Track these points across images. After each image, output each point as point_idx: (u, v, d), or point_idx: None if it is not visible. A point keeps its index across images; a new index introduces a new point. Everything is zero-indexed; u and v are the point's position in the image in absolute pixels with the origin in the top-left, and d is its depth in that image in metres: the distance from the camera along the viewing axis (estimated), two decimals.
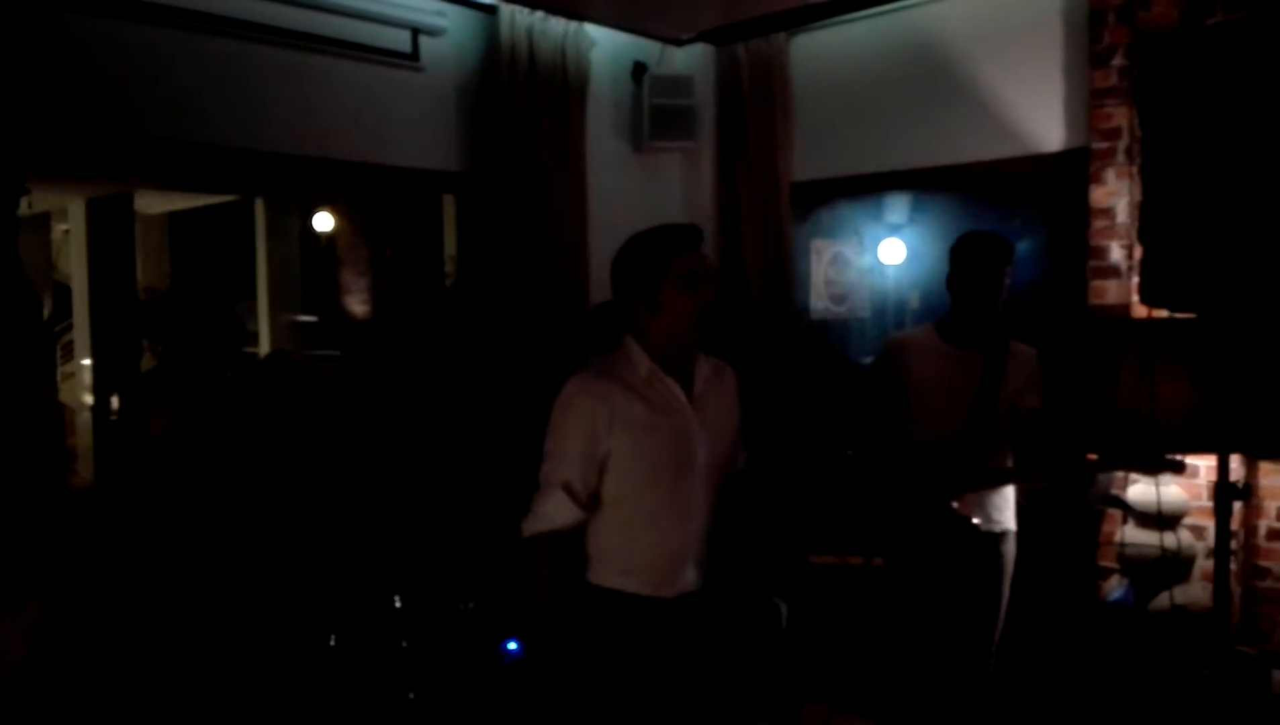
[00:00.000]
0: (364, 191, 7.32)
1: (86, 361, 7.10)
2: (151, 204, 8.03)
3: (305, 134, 3.87)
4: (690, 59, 4.94)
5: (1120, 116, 3.69)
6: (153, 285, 8.01)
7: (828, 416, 4.42)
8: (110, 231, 7.11)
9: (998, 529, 3.00)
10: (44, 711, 2.96)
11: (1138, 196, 3.23)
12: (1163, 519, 3.44)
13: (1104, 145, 3.74)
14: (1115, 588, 3.62)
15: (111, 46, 3.39)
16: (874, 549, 3.24)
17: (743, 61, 4.74)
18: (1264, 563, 3.57)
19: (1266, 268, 2.00)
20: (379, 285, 7.87)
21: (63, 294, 7.72)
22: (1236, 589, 3.49)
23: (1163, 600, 3.38)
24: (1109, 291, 3.74)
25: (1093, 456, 2.74)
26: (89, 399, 6.96)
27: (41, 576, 3.15)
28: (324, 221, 7.86)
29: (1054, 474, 2.91)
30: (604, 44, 4.68)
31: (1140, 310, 2.35)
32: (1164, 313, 2.29)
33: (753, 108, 4.73)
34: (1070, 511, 3.71)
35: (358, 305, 8.08)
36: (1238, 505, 3.33)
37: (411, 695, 3.43)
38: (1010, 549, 3.03)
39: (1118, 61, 3.69)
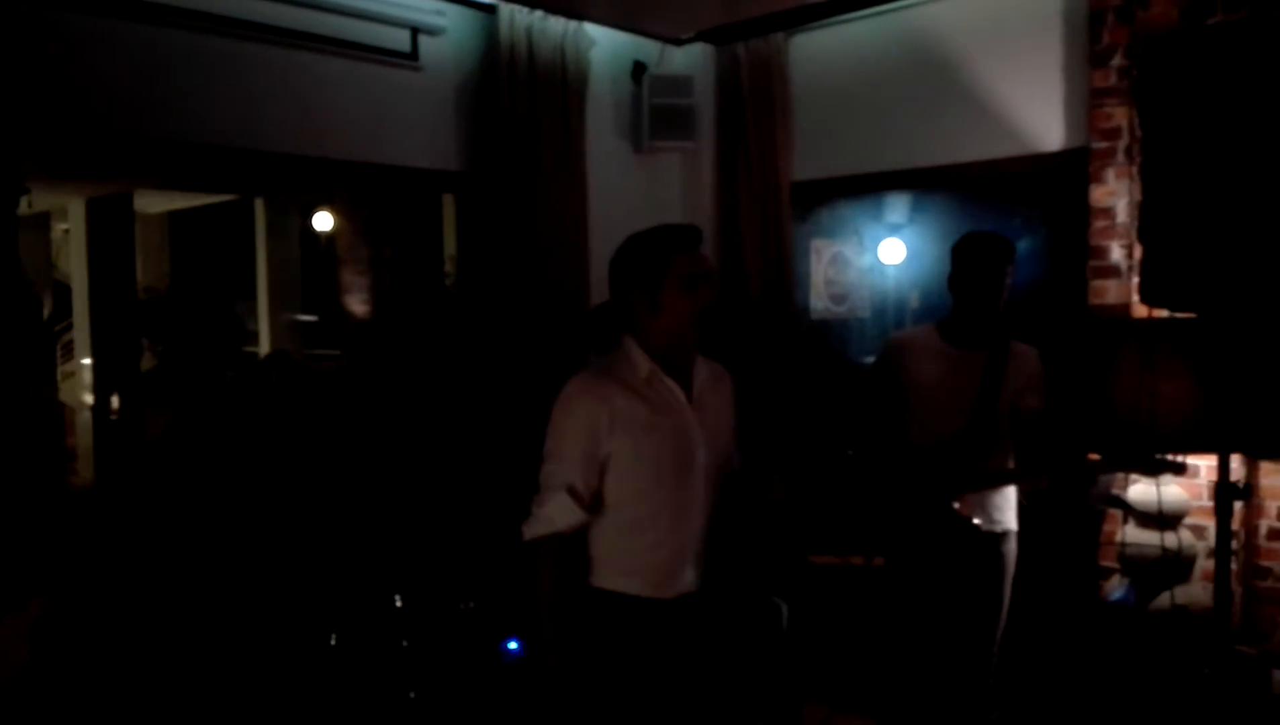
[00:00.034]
0: (364, 191, 7.32)
1: (86, 361, 7.11)
2: (151, 203, 8.03)
3: (305, 133, 3.86)
4: (690, 59, 4.94)
5: (1120, 116, 3.69)
6: (153, 285, 8.01)
7: (828, 416, 4.42)
8: (110, 231, 7.12)
9: (999, 529, 3.00)
10: (44, 711, 2.96)
11: (1138, 196, 3.23)
12: (1163, 519, 3.44)
13: (1104, 145, 3.74)
14: (1116, 588, 3.62)
15: (111, 46, 3.39)
16: (874, 549, 3.24)
17: (742, 61, 4.74)
18: (1265, 563, 3.57)
19: (1266, 267, 2.00)
20: (379, 285, 7.87)
21: (63, 293, 7.73)
22: (1237, 589, 3.48)
23: (1163, 600, 3.38)
24: (1109, 291, 3.74)
25: (1094, 456, 2.74)
26: (89, 398, 6.96)
27: (42, 576, 3.15)
28: (324, 221, 7.85)
29: (1055, 474, 2.91)
30: (603, 43, 4.68)
31: (1140, 310, 2.35)
32: (1164, 312, 2.29)
33: (752, 107, 4.72)
34: (1071, 511, 3.71)
35: (358, 305, 8.07)
36: (1238, 505, 3.33)
37: (412, 695, 3.43)
38: (1011, 549, 3.03)
39: (1117, 61, 3.69)
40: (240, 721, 3.30)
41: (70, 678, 3.09)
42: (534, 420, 2.29)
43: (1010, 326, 3.00)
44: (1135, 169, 3.56)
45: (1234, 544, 3.35)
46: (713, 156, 4.94)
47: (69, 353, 7.55)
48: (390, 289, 7.69)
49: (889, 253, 6.01)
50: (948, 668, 3.00)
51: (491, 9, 4.23)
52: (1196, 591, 3.43)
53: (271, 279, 8.24)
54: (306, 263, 8.38)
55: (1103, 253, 3.75)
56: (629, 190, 4.78)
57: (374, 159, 4.08)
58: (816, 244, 5.24)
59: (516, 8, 4.23)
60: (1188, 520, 3.53)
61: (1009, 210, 5.15)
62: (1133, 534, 3.55)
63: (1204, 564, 3.48)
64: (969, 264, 2.95)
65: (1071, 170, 3.88)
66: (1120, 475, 3.57)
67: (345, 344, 7.98)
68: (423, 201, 5.42)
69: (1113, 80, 3.71)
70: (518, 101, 4.24)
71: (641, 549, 2.18)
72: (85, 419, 7.07)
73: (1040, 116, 4.02)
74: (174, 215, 8.44)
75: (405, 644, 3.47)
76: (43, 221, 7.96)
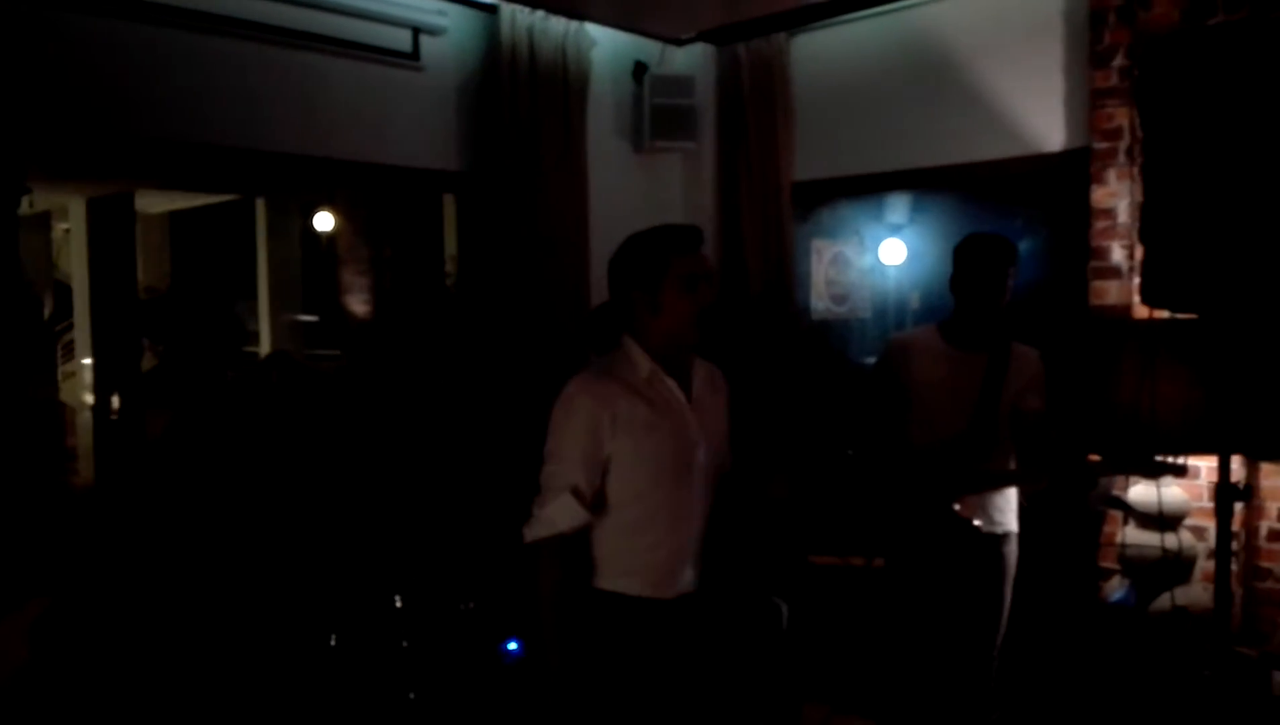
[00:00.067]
0: (364, 191, 7.32)
1: (87, 361, 7.11)
2: (152, 203, 8.03)
3: (306, 133, 3.87)
4: (691, 59, 4.94)
5: (1121, 117, 3.69)
6: (153, 285, 8.01)
7: (828, 417, 4.42)
8: (111, 231, 7.11)
9: (999, 531, 3.00)
10: (44, 711, 2.96)
11: (1139, 197, 3.24)
12: (1164, 520, 3.44)
13: (1105, 145, 3.73)
14: (1116, 589, 3.62)
15: (112, 46, 3.39)
16: (875, 550, 3.24)
17: (743, 61, 4.74)
18: (1265, 564, 3.56)
19: (1267, 268, 2.00)
20: (379, 285, 7.87)
21: (63, 293, 7.72)
22: (1237, 590, 3.48)
23: (1164, 601, 3.38)
24: (1110, 292, 3.74)
25: (1094, 458, 2.74)
26: (89, 398, 6.96)
27: (42, 576, 3.15)
28: (324, 221, 7.85)
29: (1055, 475, 2.90)
30: (604, 44, 4.68)
31: (1141, 311, 2.35)
32: (1165, 313, 2.29)
33: (753, 108, 4.72)
34: (1071, 512, 3.70)
35: (358, 305, 8.07)
36: (1239, 506, 3.31)
37: (412, 695, 3.43)
38: (1012, 550, 3.03)
39: (1118, 62, 3.69)
40: (240, 722, 3.30)
41: (70, 678, 3.09)
42: (534, 421, 2.29)
43: (1012, 327, 3.00)
44: (1136, 169, 3.56)
45: (1234, 545, 3.34)
46: (714, 157, 4.94)
47: (69, 353, 7.55)
48: (391, 289, 7.69)
49: (890, 253, 6.00)
50: (948, 669, 2.99)
51: (493, 9, 4.23)
52: (1197, 593, 3.43)
53: (272, 279, 8.23)
54: (307, 263, 8.38)
55: (1104, 253, 3.75)
56: (630, 190, 4.78)
57: (375, 159, 4.08)
58: (817, 244, 5.24)
59: (518, 8, 4.23)
60: (1188, 521, 3.53)
61: (1010, 211, 5.14)
62: (1133, 535, 3.55)
63: (1204, 565, 3.48)
64: (971, 265, 2.94)
65: (1072, 171, 3.88)
66: (1120, 476, 3.56)
67: (346, 344, 7.98)
68: (423, 201, 5.42)
69: (1114, 80, 3.71)
70: (519, 101, 4.24)
71: (641, 549, 2.18)
72: (86, 419, 7.07)
73: (1041, 117, 4.02)
74: (175, 215, 8.44)
75: (405, 644, 3.47)
76: (43, 221, 7.95)
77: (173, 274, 8.42)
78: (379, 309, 7.83)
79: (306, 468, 3.93)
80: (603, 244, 4.26)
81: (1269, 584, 3.55)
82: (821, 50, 4.69)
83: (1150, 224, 2.16)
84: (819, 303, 5.21)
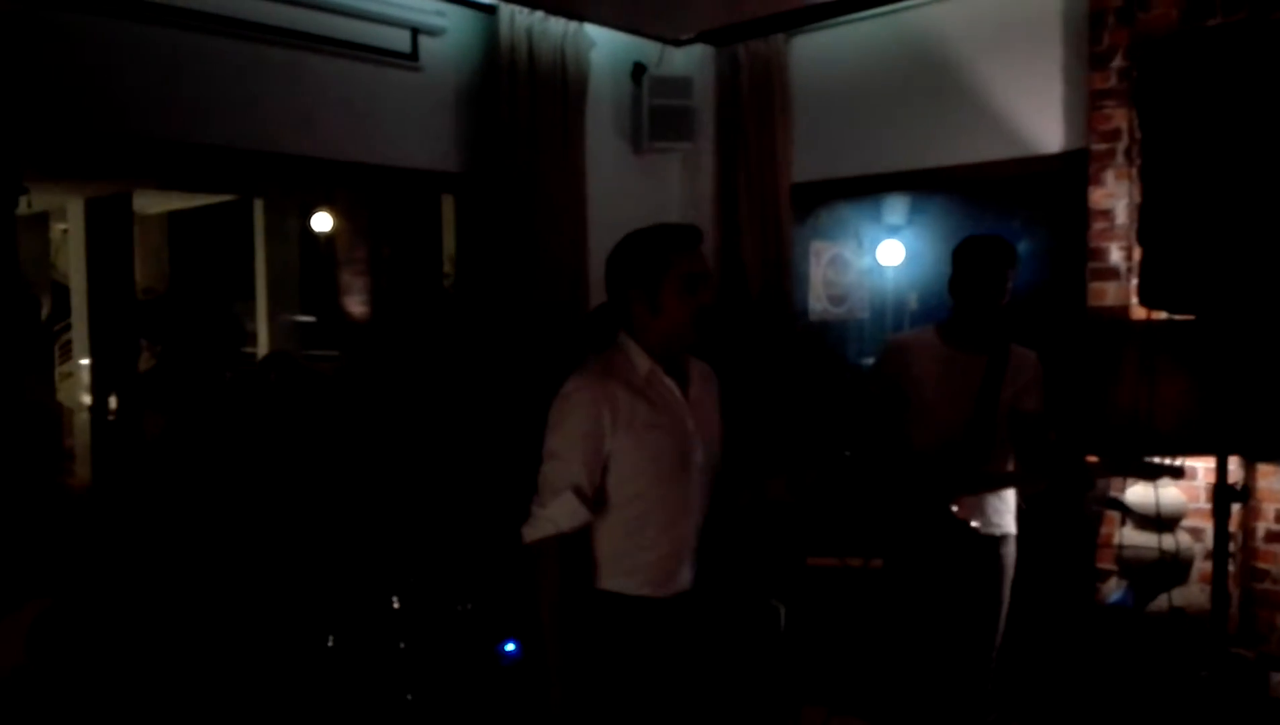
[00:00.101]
0: (363, 192, 7.31)
1: (85, 361, 7.09)
2: (150, 204, 8.02)
3: (304, 134, 3.86)
4: (690, 60, 4.94)
5: (1119, 118, 3.69)
6: (151, 285, 8.00)
7: (826, 418, 4.42)
8: (109, 231, 7.10)
9: (998, 532, 3.00)
10: (41, 713, 2.96)
11: (1137, 198, 3.24)
12: (1161, 521, 3.44)
13: (1103, 147, 3.74)
14: (1114, 590, 3.62)
15: (110, 46, 3.39)
16: (873, 551, 3.24)
17: (742, 62, 4.74)
18: (1262, 565, 3.57)
19: (1265, 269, 2.00)
20: (378, 285, 7.86)
21: (61, 294, 7.71)
22: (1234, 591, 3.48)
23: (1161, 602, 3.38)
24: (1108, 293, 3.74)
25: (1092, 459, 2.74)
26: (87, 399, 6.95)
27: (39, 578, 3.15)
28: (323, 222, 7.84)
29: (1054, 477, 2.91)
30: (603, 44, 4.68)
31: (1139, 312, 2.35)
32: (1163, 314, 2.29)
33: (752, 109, 4.72)
34: (1069, 514, 3.70)
35: (356, 305, 8.07)
36: (1236, 507, 3.33)
37: (409, 696, 3.43)
38: (1010, 552, 3.03)
39: (1117, 63, 3.70)
40: (238, 723, 3.30)
41: (67, 679, 3.08)
42: (532, 422, 2.28)
43: (1011, 329, 3.00)
44: (1135, 171, 3.57)
45: (1231, 546, 3.35)
46: (712, 158, 4.94)
47: (67, 353, 7.54)
48: (389, 290, 7.69)
49: (888, 254, 6.00)
50: (946, 670, 2.99)
51: (492, 10, 4.23)
52: (1194, 593, 3.43)
53: (270, 280, 8.21)
54: (305, 263, 8.36)
55: (1102, 255, 3.76)
56: (628, 191, 4.78)
57: (373, 159, 4.08)
58: (816, 245, 5.23)
59: (517, 8, 4.23)
60: (1185, 522, 3.53)
61: (1008, 212, 5.14)
62: (1130, 536, 3.55)
63: (1201, 566, 3.48)
64: (970, 268, 2.94)
65: (1071, 172, 3.88)
66: (1118, 477, 3.57)
67: (344, 345, 7.97)
68: (422, 202, 5.41)
69: (1112, 82, 3.71)
70: (517, 102, 4.24)
71: (642, 548, 2.17)
72: (83, 419, 7.06)
73: (1040, 118, 4.02)
74: (173, 216, 8.43)
75: (403, 646, 3.47)
76: (41, 222, 7.94)
77: (171, 274, 8.41)
78: (377, 310, 7.82)
79: (304, 469, 3.92)
80: (601, 245, 4.23)
81: (1266, 585, 3.55)
82: (820, 51, 4.69)
83: (1148, 225, 2.17)
84: (817, 304, 5.21)
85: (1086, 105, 3.80)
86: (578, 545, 2.15)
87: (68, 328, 7.42)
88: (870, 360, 4.71)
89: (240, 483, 3.78)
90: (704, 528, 2.28)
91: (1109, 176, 3.73)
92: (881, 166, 4.54)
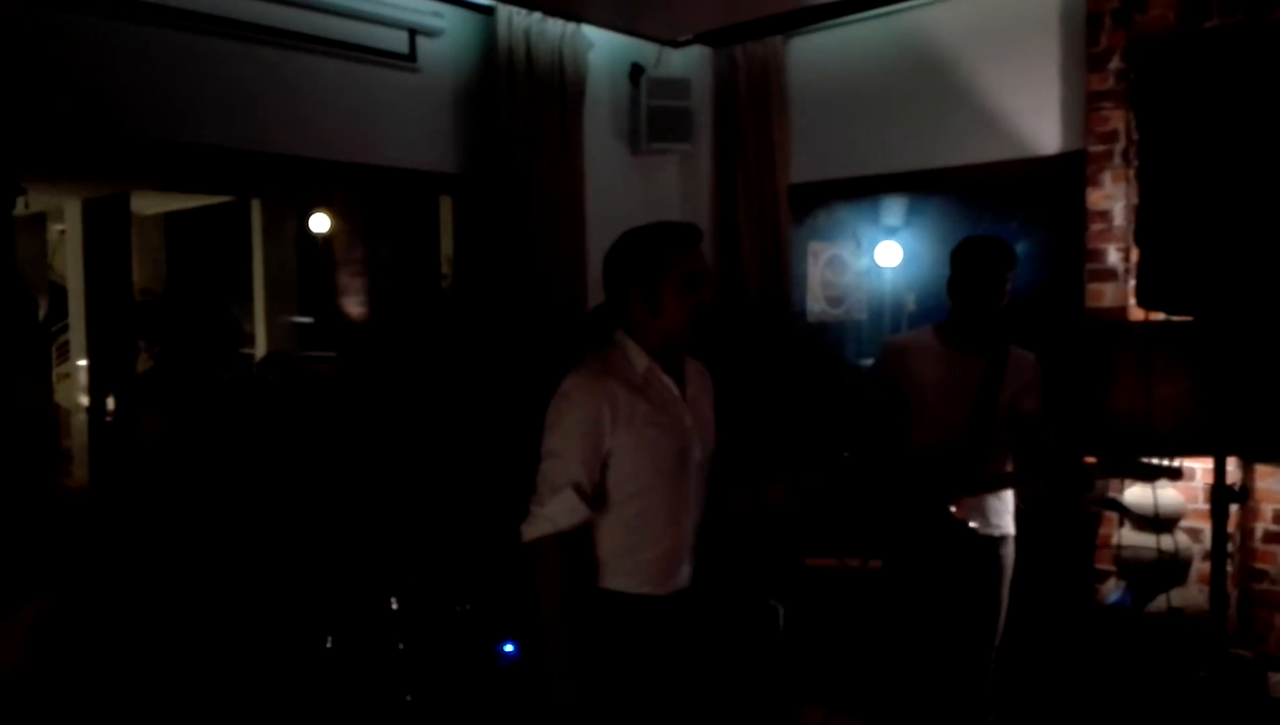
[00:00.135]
0: (360, 192, 7.32)
1: (82, 362, 7.09)
2: (148, 205, 8.02)
3: (302, 135, 3.86)
4: (688, 61, 4.95)
5: (1117, 119, 3.70)
6: (149, 286, 8.00)
7: (824, 419, 4.42)
8: (106, 232, 7.09)
9: (996, 533, 3.00)
10: (40, 714, 2.95)
11: (1134, 199, 3.24)
12: (1159, 522, 3.44)
13: (1100, 148, 3.74)
14: (1112, 590, 3.62)
15: (108, 46, 3.38)
16: (871, 552, 3.24)
17: (740, 64, 4.75)
18: (1260, 565, 3.57)
19: (1263, 270, 2.00)
20: (375, 286, 7.86)
21: (58, 295, 7.71)
22: (1233, 591, 3.49)
23: (1159, 603, 3.39)
24: (1106, 294, 3.74)
25: (1091, 460, 2.74)
26: (84, 400, 6.94)
27: (38, 579, 3.14)
28: (320, 222, 7.85)
29: (1052, 478, 2.91)
30: (601, 46, 4.68)
31: (1137, 313, 2.35)
32: (1161, 315, 2.29)
33: (750, 110, 4.73)
34: (1067, 515, 3.71)
35: (354, 306, 8.07)
36: (1234, 508, 3.33)
37: (408, 697, 3.42)
38: (1009, 553, 3.03)
39: (1114, 65, 3.70)
40: (238, 723, 3.29)
41: (66, 680, 3.08)
42: (530, 423, 2.28)
43: (1010, 330, 3.01)
44: (1132, 172, 3.57)
45: (1229, 547, 3.35)
46: (710, 159, 4.94)
47: (65, 354, 7.54)
48: (387, 291, 7.69)
49: (886, 255, 6.01)
50: (945, 670, 3.00)
51: (489, 11, 4.23)
52: (1192, 594, 3.43)
53: (268, 280, 8.22)
54: (303, 264, 8.37)
55: (1099, 256, 3.76)
56: (626, 192, 4.78)
57: (371, 160, 4.08)
58: (813, 246, 5.24)
59: (514, 9, 4.23)
60: (1183, 523, 3.54)
61: (1006, 213, 5.15)
62: (1128, 537, 3.55)
63: (1200, 567, 3.49)
64: (969, 269, 2.95)
65: (1068, 173, 3.88)
66: (1116, 478, 3.57)
67: (342, 346, 7.96)
68: (420, 203, 5.42)
69: (1110, 83, 3.72)
70: (515, 103, 4.24)
71: (642, 545, 2.17)
72: (81, 421, 7.05)
73: (1037, 120, 4.02)
74: (170, 216, 8.43)
75: (401, 647, 3.46)
76: (39, 222, 7.94)
77: (168, 275, 8.41)
78: (375, 311, 7.82)
79: (302, 470, 3.92)
80: (599, 246, 4.22)
81: (1264, 585, 3.56)
82: (818, 53, 4.69)
83: (1146, 226, 2.17)
84: (815, 305, 5.21)
85: (1084, 107, 3.81)
86: (578, 544, 2.15)
87: (65, 329, 7.42)
88: (868, 361, 4.71)
89: (238, 484, 3.78)
90: (701, 526, 2.29)
91: (1106, 178, 3.73)
92: (879, 167, 4.54)
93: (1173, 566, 3.42)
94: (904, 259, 6.00)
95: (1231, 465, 3.26)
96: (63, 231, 7.53)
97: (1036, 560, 3.25)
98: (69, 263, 7.26)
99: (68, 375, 7.43)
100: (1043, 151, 4.02)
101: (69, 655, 3.13)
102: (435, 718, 3.45)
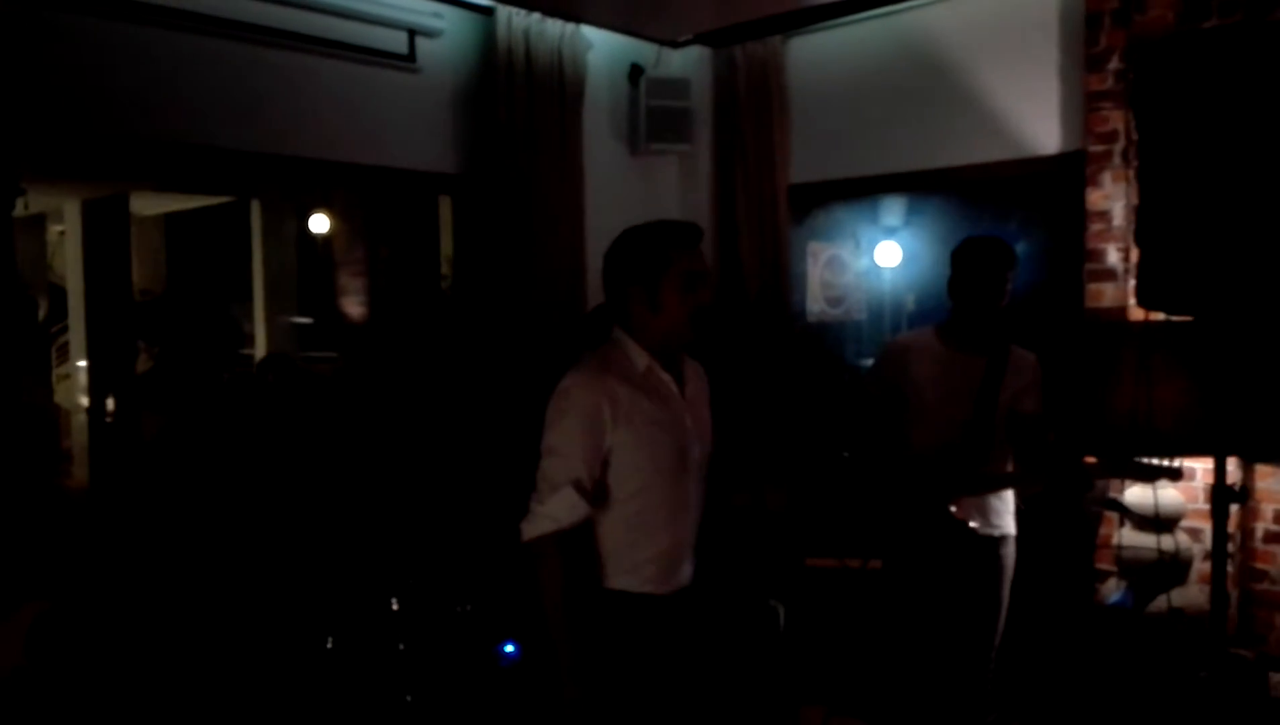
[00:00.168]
0: (360, 193, 7.31)
1: (82, 363, 7.08)
2: (147, 205, 8.01)
3: (301, 135, 3.86)
4: (687, 61, 4.95)
5: (1116, 120, 3.70)
6: (148, 287, 8.00)
7: (824, 419, 4.42)
8: (106, 233, 7.09)
9: (997, 533, 3.00)
10: (40, 715, 2.95)
11: (1134, 200, 3.24)
12: (1160, 522, 3.44)
13: (1100, 148, 3.74)
14: (1113, 590, 3.62)
15: (107, 47, 3.38)
16: (871, 552, 3.24)
17: (739, 64, 4.74)
18: (1261, 565, 3.57)
19: (1263, 270, 2.00)
20: (375, 287, 7.86)
21: (58, 295, 7.70)
22: (1233, 591, 3.49)
23: (1160, 603, 3.39)
24: (1105, 294, 3.74)
25: (1091, 460, 2.74)
26: (84, 401, 6.94)
27: (37, 579, 3.14)
28: (320, 223, 7.84)
29: (1052, 478, 2.91)
30: (601, 46, 4.68)
31: (1137, 313, 2.35)
32: (1161, 315, 2.29)
33: (749, 110, 4.73)
34: (1067, 515, 3.71)
35: (354, 307, 8.06)
36: (1234, 508, 3.33)
37: (409, 698, 3.42)
38: (1010, 553, 3.03)
39: (1114, 65, 3.70)
40: (237, 724, 3.29)
41: (66, 681, 3.08)
42: (530, 423, 2.28)
43: (1010, 330, 3.01)
44: (1131, 172, 3.57)
45: (1230, 547, 3.35)
46: (710, 159, 4.94)
47: (64, 355, 7.53)
48: (386, 291, 7.68)
49: (885, 256, 6.00)
50: (945, 671, 3.00)
51: (489, 11, 4.23)
52: (1193, 594, 3.43)
53: (267, 281, 8.21)
54: (303, 265, 8.36)
55: (1099, 256, 3.76)
56: (626, 193, 4.78)
57: (371, 161, 4.08)
58: (813, 246, 5.24)
59: (514, 10, 4.23)
60: (1184, 523, 3.54)
61: (1005, 213, 5.15)
62: (1129, 537, 3.55)
63: (1200, 567, 3.49)
64: (970, 269, 2.95)
65: (1068, 174, 3.88)
66: (1116, 478, 3.57)
67: (341, 346, 7.96)
68: (419, 204, 5.41)
69: (1109, 84, 3.72)
70: (515, 104, 4.24)
71: (643, 544, 2.17)
72: (81, 421, 7.05)
73: (1036, 120, 4.02)
74: (170, 217, 8.42)
75: (402, 647, 3.46)
76: (38, 223, 7.93)
77: (168, 276, 8.40)
78: (374, 311, 7.82)
79: (302, 470, 3.92)
80: (598, 246, 4.20)
81: (1265, 585, 3.56)
82: (817, 53, 4.69)
83: (1145, 226, 2.17)
84: (814, 305, 5.21)
85: (1083, 107, 3.81)
86: (579, 543, 2.14)
87: (65, 329, 7.41)
88: (868, 361, 4.71)
89: (238, 484, 3.78)
90: (701, 526, 2.29)
91: (1106, 178, 3.73)
92: (879, 168, 4.54)
93: (1173, 566, 3.42)
94: (904, 259, 6.00)
95: (1231, 465, 3.26)
96: (62, 232, 7.52)
97: (1037, 560, 3.25)
98: (69, 263, 7.25)
99: (68, 376, 7.42)
100: (1042, 152, 4.02)
101: (69, 656, 3.13)
102: (436, 718, 3.45)
